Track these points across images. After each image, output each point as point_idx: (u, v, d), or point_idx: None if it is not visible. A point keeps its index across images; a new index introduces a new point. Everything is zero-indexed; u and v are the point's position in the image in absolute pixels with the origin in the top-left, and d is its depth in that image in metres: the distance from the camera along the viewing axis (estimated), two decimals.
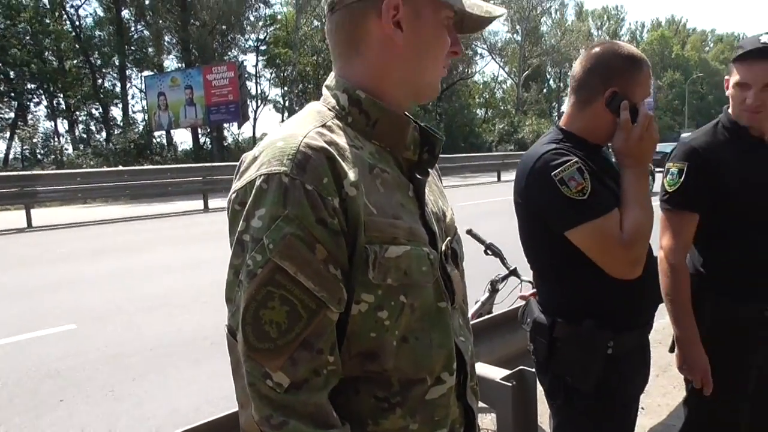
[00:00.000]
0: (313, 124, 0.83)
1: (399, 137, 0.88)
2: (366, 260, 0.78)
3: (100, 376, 3.91)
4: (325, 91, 0.92)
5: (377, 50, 0.87)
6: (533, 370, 1.93)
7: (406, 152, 0.89)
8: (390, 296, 0.80)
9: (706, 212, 1.78)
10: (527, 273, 2.78)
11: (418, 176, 0.90)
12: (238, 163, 0.84)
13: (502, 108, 44.73)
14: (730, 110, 1.84)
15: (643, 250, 1.43)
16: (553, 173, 1.39)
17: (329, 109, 0.88)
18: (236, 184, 0.80)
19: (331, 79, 0.92)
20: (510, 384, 1.83)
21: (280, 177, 0.74)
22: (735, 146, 1.80)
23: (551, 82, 54.55)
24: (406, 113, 0.91)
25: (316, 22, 36.42)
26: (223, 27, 30.72)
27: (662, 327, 3.34)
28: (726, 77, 1.87)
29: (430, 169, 0.93)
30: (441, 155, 0.94)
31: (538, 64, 45.48)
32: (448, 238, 0.95)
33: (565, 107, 1.59)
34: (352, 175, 0.78)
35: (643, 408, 3.43)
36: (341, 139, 0.82)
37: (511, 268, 2.87)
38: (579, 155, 1.44)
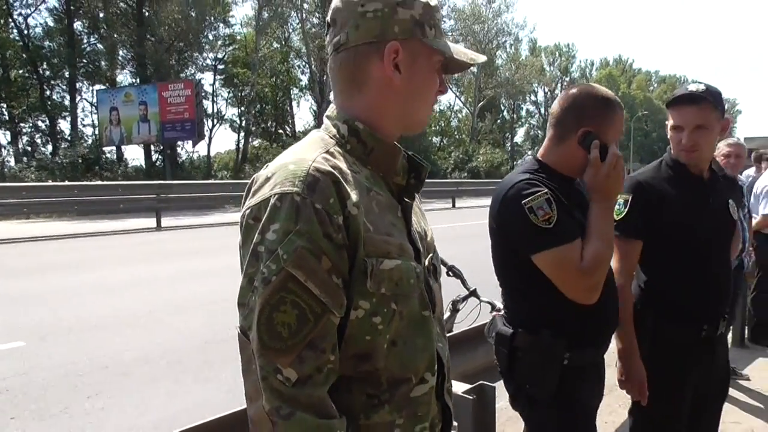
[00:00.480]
0: (318, 150, 0.94)
1: (391, 164, 1.01)
2: (364, 271, 0.89)
3: (53, 394, 3.80)
4: (326, 120, 1.03)
5: (377, 89, 0.98)
6: (493, 384, 2.07)
7: (397, 177, 1.01)
8: (383, 304, 0.91)
9: (649, 240, 1.97)
10: (486, 294, 2.94)
11: (406, 200, 1.02)
12: (249, 182, 0.94)
13: (457, 136, 45.82)
14: (671, 150, 2.06)
15: (601, 278, 1.54)
16: (523, 201, 1.51)
17: (331, 137, 0.99)
18: (250, 202, 0.89)
19: (332, 110, 1.03)
20: (471, 397, 1.95)
21: (293, 196, 0.85)
22: (676, 182, 2.00)
23: (505, 113, 56.20)
24: (396, 143, 1.03)
25: (275, 44, 36.60)
26: (181, 44, 30.43)
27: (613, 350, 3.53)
28: (666, 121, 2.09)
29: (416, 194, 1.05)
30: None
31: (493, 95, 46.91)
32: (430, 254, 1.07)
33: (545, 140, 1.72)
34: (354, 196, 0.89)
35: (606, 423, 3.62)
36: (343, 164, 0.93)
37: (471, 290, 3.01)
38: (551, 186, 1.56)
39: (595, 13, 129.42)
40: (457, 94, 48.85)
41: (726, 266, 2.06)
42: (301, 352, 0.84)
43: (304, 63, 36.52)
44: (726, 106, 2.05)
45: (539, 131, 60.61)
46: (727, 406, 3.78)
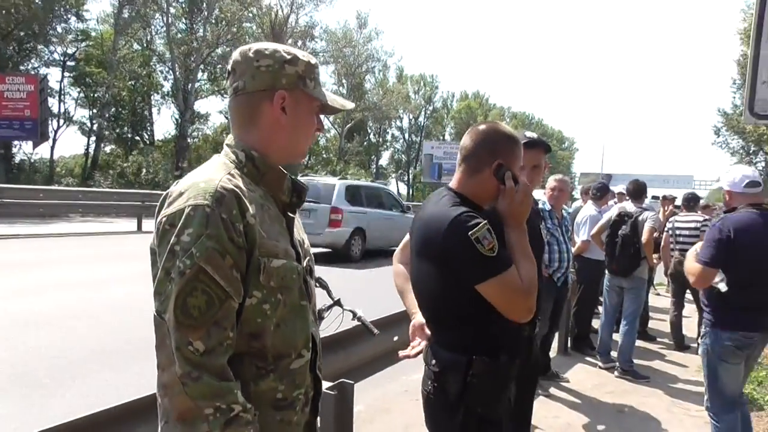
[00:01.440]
0: (223, 172, 1.18)
1: (279, 186, 1.27)
2: (258, 268, 1.14)
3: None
4: (226, 148, 1.27)
5: (268, 126, 1.25)
6: (351, 382, 2.30)
7: (283, 196, 1.28)
8: (271, 294, 1.16)
9: None
10: (349, 304, 3.16)
11: (290, 214, 1.29)
12: (164, 195, 1.16)
13: (324, 156, 46.31)
14: None
15: (536, 297, 1.64)
16: (470, 233, 1.55)
17: (231, 162, 1.23)
18: (166, 211, 1.12)
19: (230, 140, 1.28)
20: (333, 393, 2.16)
21: (204, 208, 1.08)
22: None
23: (371, 136, 57.96)
24: (282, 168, 1.29)
25: (137, 46, 34.41)
26: (21, 34, 27.45)
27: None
28: None
29: (297, 209, 1.32)
30: None
31: (361, 118, 48.23)
32: (307, 258, 1.34)
33: (456, 173, 1.80)
34: (251, 209, 1.14)
35: None
36: (242, 184, 1.17)
37: (335, 299, 3.21)
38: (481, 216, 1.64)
39: (456, 49, 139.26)
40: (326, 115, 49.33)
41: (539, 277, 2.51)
42: (208, 328, 1.06)
43: (167, 69, 34.64)
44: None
45: (402, 155, 63.27)
46: (549, 403, 4.41)
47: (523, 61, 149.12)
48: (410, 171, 61.06)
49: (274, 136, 1.25)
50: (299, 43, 41.42)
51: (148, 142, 35.68)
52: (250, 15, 35.13)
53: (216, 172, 1.17)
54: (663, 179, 38.16)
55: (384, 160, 63.11)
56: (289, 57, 1.24)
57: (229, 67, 1.27)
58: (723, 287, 2.85)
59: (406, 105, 60.30)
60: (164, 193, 1.18)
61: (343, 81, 45.25)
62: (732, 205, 3.03)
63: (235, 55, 1.26)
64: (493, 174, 1.70)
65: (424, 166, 51.19)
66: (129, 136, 36.50)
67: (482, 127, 1.80)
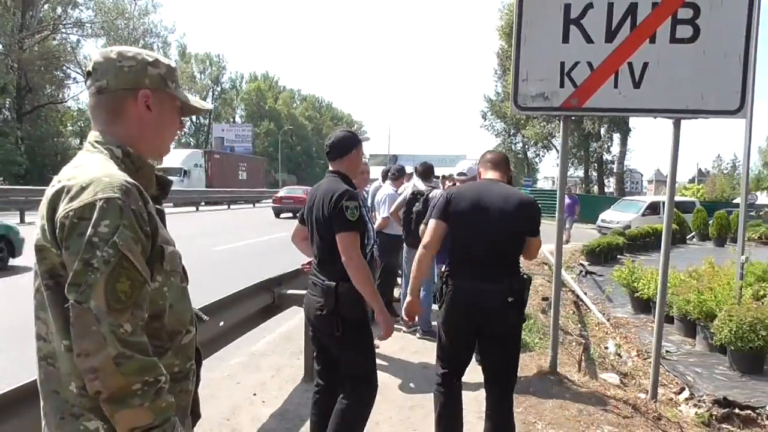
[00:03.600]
0: (114, 166, 1.25)
1: (149, 180, 1.37)
2: (161, 253, 1.26)
3: None
4: (96, 145, 1.30)
5: (133, 122, 1.33)
6: None
7: (152, 190, 1.37)
8: (168, 277, 1.29)
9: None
10: None
11: (158, 206, 1.36)
12: (60, 189, 1.18)
13: None
14: None
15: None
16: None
17: (111, 158, 1.28)
18: (72, 204, 1.14)
19: (96, 137, 1.32)
20: None
21: (116, 200, 1.15)
22: None
23: None
24: (150, 162, 1.38)
25: None
26: None
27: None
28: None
29: (163, 201, 1.44)
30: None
31: None
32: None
33: None
34: (150, 200, 1.25)
35: (264, 401, 4.09)
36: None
37: None
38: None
39: (243, 28, 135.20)
40: None
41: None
42: (133, 311, 1.15)
43: None
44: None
45: (191, 138, 59.78)
46: None
47: (312, 43, 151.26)
48: None
49: (141, 132, 1.33)
50: (59, 9, 36.34)
51: None
52: None
53: (110, 168, 1.23)
54: (440, 158, 42.49)
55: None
56: (151, 60, 1.35)
57: (89, 68, 1.33)
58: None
59: (191, 85, 57.02)
60: (53, 189, 1.19)
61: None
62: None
63: (96, 56, 1.33)
64: None
65: (216, 149, 49.24)
66: None
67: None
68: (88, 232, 1.13)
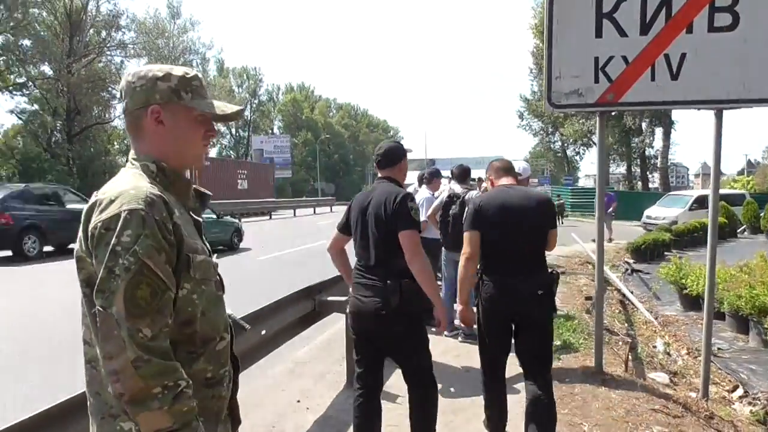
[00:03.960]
0: (144, 180, 1.31)
1: (186, 192, 1.43)
2: (187, 262, 1.29)
3: None
4: (134, 162, 1.38)
5: (152, 138, 1.38)
6: None
7: (189, 202, 1.44)
8: (198, 285, 1.32)
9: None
10: None
11: (196, 217, 1.44)
12: (93, 202, 1.25)
13: None
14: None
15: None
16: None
17: (145, 173, 1.35)
18: (101, 216, 1.21)
19: (132, 155, 1.41)
20: None
21: (139, 211, 1.21)
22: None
23: None
24: (186, 176, 1.43)
25: None
26: None
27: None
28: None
29: (202, 213, 1.51)
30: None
31: None
32: (215, 254, 1.46)
33: None
34: (176, 211, 1.30)
35: (308, 408, 4.16)
36: (158, 191, 1.28)
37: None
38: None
39: (279, 40, 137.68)
40: None
41: None
42: (153, 316, 1.19)
43: None
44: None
45: (231, 152, 61.12)
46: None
47: (347, 52, 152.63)
48: None
49: (162, 146, 1.38)
50: (103, 33, 37.80)
51: None
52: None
53: (139, 181, 1.29)
54: (477, 161, 42.15)
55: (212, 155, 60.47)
56: (161, 75, 1.37)
57: (119, 93, 1.41)
58: None
59: (229, 99, 58.24)
60: (89, 202, 1.27)
61: None
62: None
63: (122, 81, 1.41)
64: None
65: (255, 161, 50.13)
66: None
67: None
68: (112, 242, 1.19)
